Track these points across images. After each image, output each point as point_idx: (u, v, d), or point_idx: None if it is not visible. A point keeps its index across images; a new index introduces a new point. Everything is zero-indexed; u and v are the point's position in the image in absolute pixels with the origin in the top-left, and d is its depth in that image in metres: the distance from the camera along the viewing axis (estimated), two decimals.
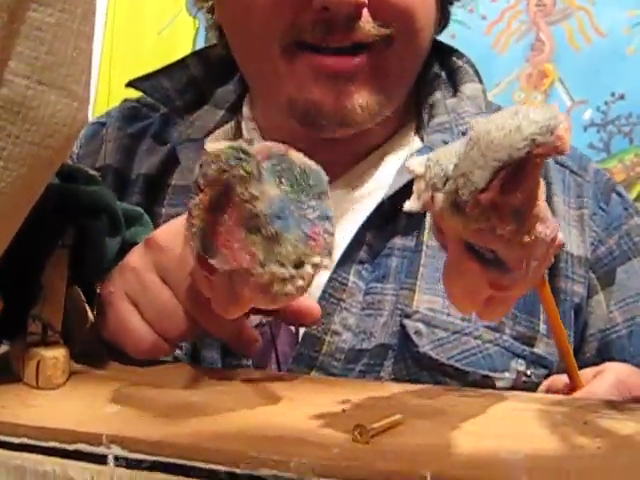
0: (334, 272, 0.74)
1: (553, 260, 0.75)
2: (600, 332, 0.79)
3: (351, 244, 0.75)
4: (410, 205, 0.46)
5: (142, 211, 0.68)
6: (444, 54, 0.87)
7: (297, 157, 0.48)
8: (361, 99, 0.74)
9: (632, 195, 1.61)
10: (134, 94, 0.91)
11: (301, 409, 0.48)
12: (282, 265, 0.46)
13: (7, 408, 0.49)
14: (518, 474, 0.38)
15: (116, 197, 0.64)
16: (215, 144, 0.46)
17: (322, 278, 0.75)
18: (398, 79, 0.78)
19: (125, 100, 0.94)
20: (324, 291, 0.74)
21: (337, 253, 0.75)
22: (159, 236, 0.59)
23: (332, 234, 0.48)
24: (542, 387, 0.67)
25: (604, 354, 0.79)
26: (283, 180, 0.47)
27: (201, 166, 0.46)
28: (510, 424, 0.46)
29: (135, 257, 0.60)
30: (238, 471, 0.41)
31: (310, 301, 0.62)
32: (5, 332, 0.59)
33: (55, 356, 0.54)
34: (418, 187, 0.45)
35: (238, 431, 0.44)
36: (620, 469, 0.39)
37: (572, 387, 0.59)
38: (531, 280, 0.47)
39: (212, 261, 0.47)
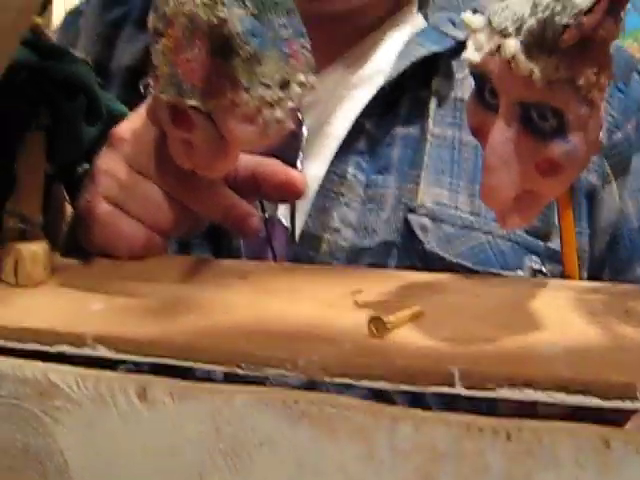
0: (332, 164, 0.70)
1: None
2: (611, 226, 0.74)
3: (349, 134, 0.70)
4: (469, 55, 0.40)
5: (127, 111, 0.62)
6: None
7: None
8: None
9: None
10: None
11: (306, 302, 0.44)
12: (267, 87, 0.43)
13: None
14: (559, 369, 0.33)
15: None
16: None
17: (319, 171, 0.70)
18: None
19: None
20: (321, 186, 0.69)
21: (334, 143, 0.70)
22: (121, 129, 0.55)
23: (309, 50, 0.45)
24: None
25: (614, 249, 0.74)
26: (247, 3, 0.43)
27: (155, 10, 0.43)
28: (543, 314, 0.41)
29: (103, 159, 0.55)
30: (240, 371, 0.37)
31: (293, 171, 0.58)
32: None
33: (34, 250, 0.49)
34: (477, 39, 0.40)
35: (238, 328, 0.40)
36: None
37: None
38: (570, 178, 0.42)
39: (191, 102, 0.44)
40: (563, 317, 0.40)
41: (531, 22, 0.37)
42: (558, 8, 0.36)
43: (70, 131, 0.55)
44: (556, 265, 0.70)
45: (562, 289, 0.45)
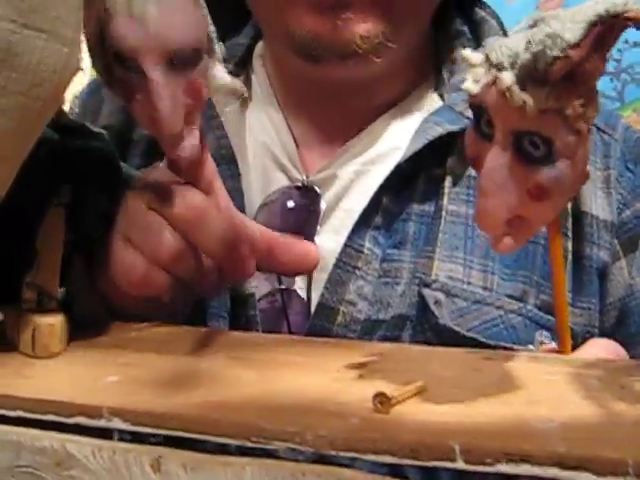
0: (348, 239, 0.71)
1: (574, 221, 0.73)
2: (620, 300, 0.75)
3: (367, 209, 0.71)
4: (468, 86, 0.43)
5: None
6: (466, 5, 0.82)
7: None
8: (361, 29, 0.70)
9: None
10: None
11: (314, 375, 0.46)
12: None
13: (1, 378, 0.46)
14: (555, 444, 0.35)
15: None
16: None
17: (336, 245, 0.71)
18: (408, 9, 0.73)
19: None
20: (338, 259, 0.70)
21: (352, 218, 0.72)
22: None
23: None
24: None
25: (623, 323, 0.76)
26: None
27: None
28: (540, 389, 0.43)
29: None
30: (249, 444, 0.38)
31: (307, 243, 0.59)
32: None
33: (52, 323, 0.51)
34: (475, 73, 0.43)
35: (248, 401, 0.41)
36: None
37: (559, 351, 0.53)
38: (559, 204, 0.45)
39: None
40: (560, 392, 0.42)
41: (525, 56, 0.40)
42: (549, 42, 0.39)
43: (91, 207, 0.57)
44: None
45: (559, 364, 0.47)
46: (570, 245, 0.73)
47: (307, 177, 0.76)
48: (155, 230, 0.55)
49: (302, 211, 0.75)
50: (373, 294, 0.70)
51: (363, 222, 0.71)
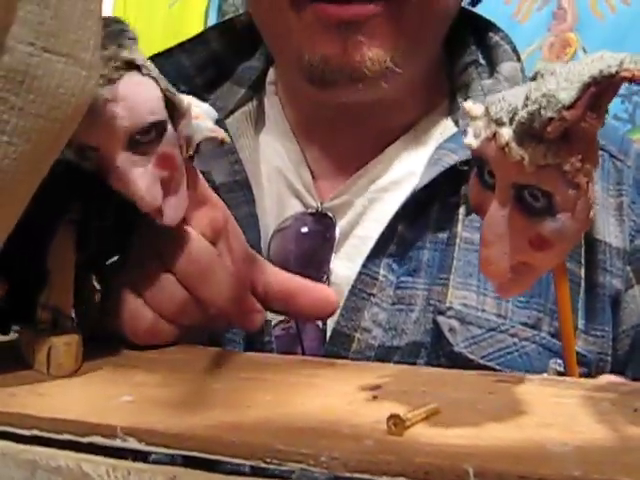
0: (364, 266, 0.71)
1: (587, 249, 0.72)
2: (633, 328, 0.75)
3: (382, 236, 0.71)
4: (469, 141, 0.44)
5: None
6: (479, 30, 0.82)
7: None
8: (371, 52, 0.70)
9: None
10: None
11: (328, 397, 0.46)
12: None
13: (16, 397, 0.46)
14: (569, 468, 0.35)
15: None
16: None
17: (351, 272, 0.72)
18: (416, 35, 0.73)
19: None
20: (353, 286, 0.71)
21: (367, 245, 0.72)
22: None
23: None
24: None
25: (636, 351, 0.75)
26: None
27: None
28: (554, 412, 0.43)
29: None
30: (263, 465, 0.38)
31: (326, 288, 0.59)
32: (14, 317, 0.57)
33: (67, 342, 0.51)
34: (476, 126, 0.43)
35: (263, 422, 0.41)
36: None
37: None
38: (563, 251, 0.45)
39: None
40: (573, 415, 0.42)
41: (522, 114, 0.41)
42: (544, 102, 0.40)
43: (101, 227, 0.57)
44: (580, 367, 0.70)
45: (572, 387, 0.46)
46: (583, 273, 0.73)
47: (321, 203, 0.76)
48: (161, 283, 0.55)
49: (317, 237, 0.75)
50: (388, 321, 0.70)
51: (378, 250, 0.71)
